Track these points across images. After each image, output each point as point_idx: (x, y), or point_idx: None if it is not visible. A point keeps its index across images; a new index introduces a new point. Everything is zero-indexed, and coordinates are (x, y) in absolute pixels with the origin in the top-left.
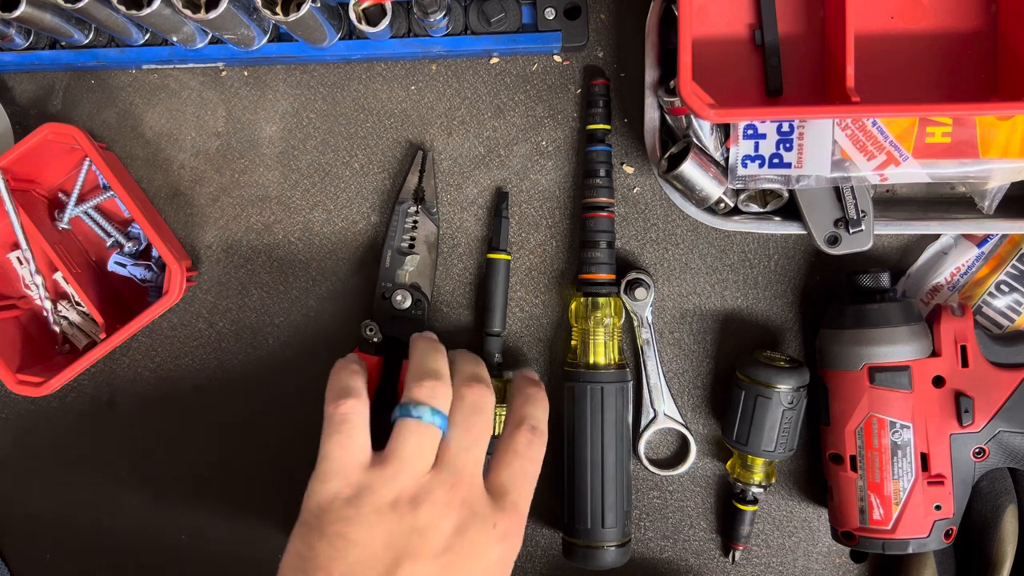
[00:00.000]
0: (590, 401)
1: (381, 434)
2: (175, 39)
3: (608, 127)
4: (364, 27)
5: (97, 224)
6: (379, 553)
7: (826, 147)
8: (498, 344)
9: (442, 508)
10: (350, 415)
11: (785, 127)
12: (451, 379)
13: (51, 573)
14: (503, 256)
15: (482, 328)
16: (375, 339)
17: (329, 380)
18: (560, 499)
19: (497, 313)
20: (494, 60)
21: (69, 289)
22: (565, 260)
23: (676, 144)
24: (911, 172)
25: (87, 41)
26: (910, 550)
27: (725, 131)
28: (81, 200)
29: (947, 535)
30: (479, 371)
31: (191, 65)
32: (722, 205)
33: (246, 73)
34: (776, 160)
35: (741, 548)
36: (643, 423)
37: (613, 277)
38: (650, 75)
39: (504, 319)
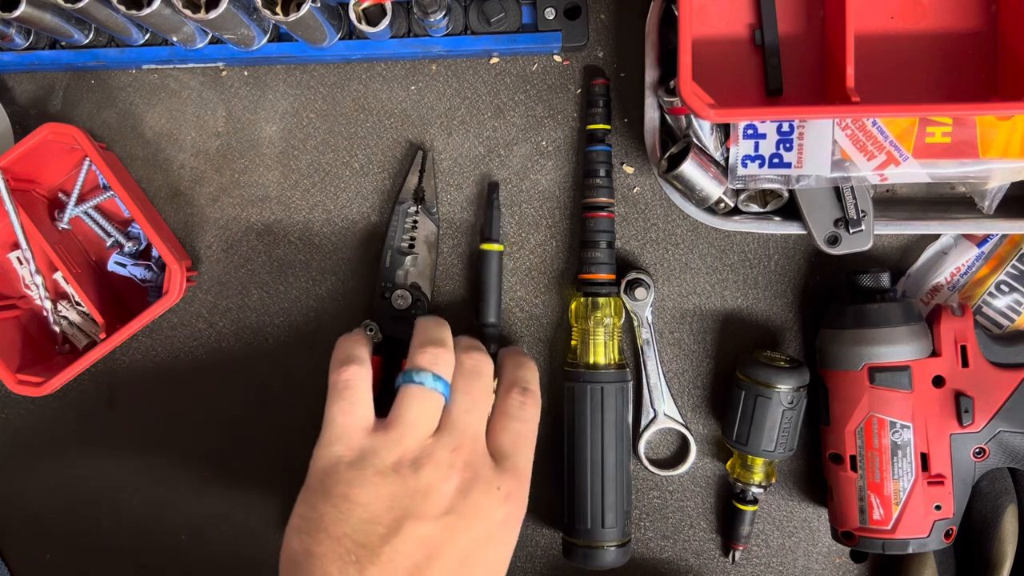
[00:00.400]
0: (590, 401)
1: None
2: (175, 39)
3: (608, 127)
4: (364, 27)
5: (97, 224)
6: (381, 514)
7: (826, 147)
8: (494, 335)
9: (445, 470)
10: (352, 381)
11: (785, 127)
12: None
13: (51, 573)
14: (495, 247)
15: (477, 320)
16: (375, 339)
17: (334, 350)
18: (560, 499)
19: (491, 304)
20: (494, 60)
21: (69, 289)
22: (565, 260)
23: (676, 144)
24: (911, 172)
25: (87, 41)
26: (910, 550)
27: (725, 131)
28: (81, 200)
29: (947, 535)
30: (477, 343)
31: (191, 65)
32: (722, 205)
33: (246, 73)
34: (776, 160)
35: (741, 548)
36: (643, 423)
37: (613, 277)
38: (650, 75)
39: (499, 310)
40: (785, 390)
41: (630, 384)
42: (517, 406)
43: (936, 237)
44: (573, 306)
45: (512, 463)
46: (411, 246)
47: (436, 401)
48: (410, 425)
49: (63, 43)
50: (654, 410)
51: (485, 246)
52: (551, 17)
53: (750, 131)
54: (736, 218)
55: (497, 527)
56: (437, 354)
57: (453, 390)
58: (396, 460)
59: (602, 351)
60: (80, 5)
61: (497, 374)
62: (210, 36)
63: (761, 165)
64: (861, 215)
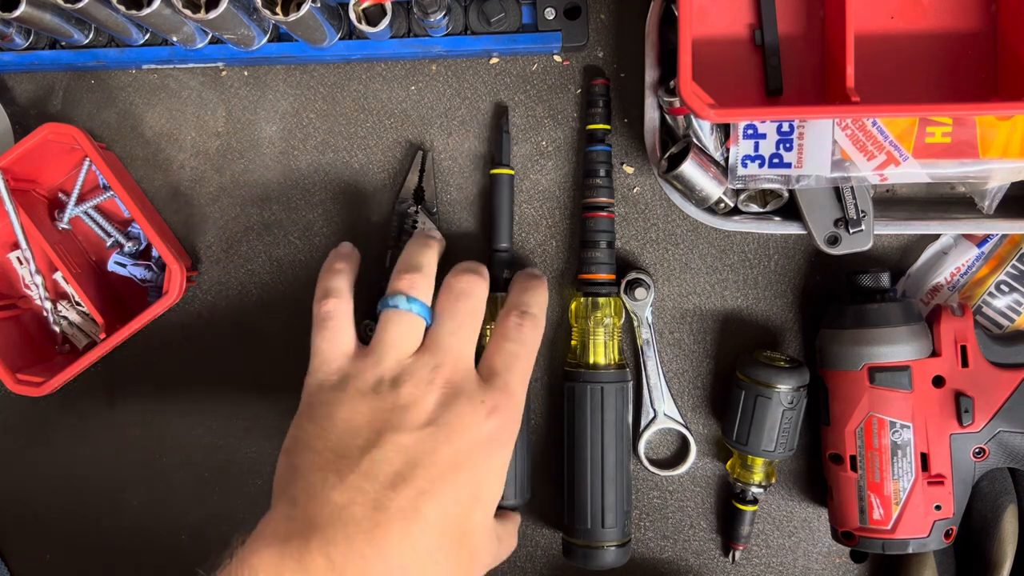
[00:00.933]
0: (590, 401)
1: None
2: (175, 39)
3: (608, 127)
4: (364, 27)
5: (97, 224)
6: (361, 428)
7: (826, 147)
8: (506, 260)
9: (424, 386)
10: (333, 312)
11: (785, 127)
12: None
13: (51, 573)
14: (507, 171)
15: (490, 245)
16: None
17: (318, 280)
18: (560, 499)
19: (503, 228)
20: (494, 60)
21: (69, 289)
22: (565, 260)
23: (676, 144)
24: (911, 172)
25: (87, 41)
26: (910, 550)
27: (725, 131)
28: (81, 200)
29: (947, 535)
30: (473, 265)
31: (191, 65)
32: (722, 205)
33: (246, 73)
34: (776, 160)
35: (741, 548)
36: (643, 423)
37: (613, 277)
38: (650, 75)
39: (511, 234)
40: (785, 390)
41: (630, 384)
42: (514, 327)
43: (936, 237)
44: (573, 306)
45: (502, 380)
46: None
47: (414, 322)
48: (388, 345)
49: (63, 43)
50: (654, 410)
51: (496, 171)
52: (551, 17)
53: (750, 131)
54: (736, 218)
55: (483, 439)
56: (413, 278)
57: (438, 312)
58: (376, 379)
59: (602, 351)
60: (80, 5)
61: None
62: (210, 36)
63: (761, 165)
64: (861, 215)
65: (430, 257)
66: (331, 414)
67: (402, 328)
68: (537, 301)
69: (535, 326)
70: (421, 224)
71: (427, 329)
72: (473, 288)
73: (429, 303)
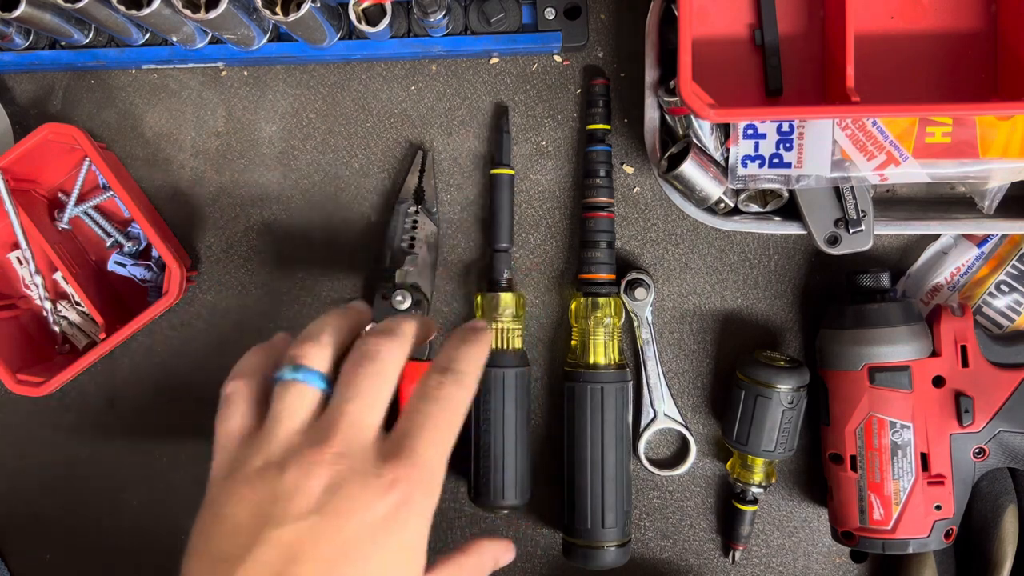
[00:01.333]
0: (590, 401)
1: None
2: (175, 39)
3: (608, 127)
4: (364, 27)
5: (97, 224)
6: (245, 523)
7: (826, 147)
8: (506, 260)
9: (307, 467)
10: (232, 395)
11: (785, 127)
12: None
13: (51, 573)
14: (507, 171)
15: (490, 245)
16: None
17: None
18: (560, 499)
19: (503, 228)
20: (494, 60)
21: (69, 289)
22: (565, 260)
23: (676, 144)
24: (911, 172)
25: (87, 41)
26: (910, 550)
27: (725, 131)
28: (81, 200)
29: (947, 535)
30: (391, 324)
31: (191, 65)
32: (722, 205)
33: (246, 73)
34: (776, 160)
35: (741, 548)
36: (643, 423)
37: (613, 277)
38: (650, 75)
39: (511, 234)
40: (785, 390)
41: (630, 384)
42: (433, 386)
43: (936, 237)
44: (573, 306)
45: (408, 446)
46: (411, 246)
47: (303, 392)
48: (276, 421)
49: (63, 43)
50: (654, 410)
51: (496, 170)
52: (551, 17)
53: (750, 131)
54: (736, 218)
55: (379, 521)
56: (303, 347)
57: (339, 379)
58: (263, 464)
59: (602, 351)
60: (80, 5)
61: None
62: (210, 36)
63: (761, 165)
64: (861, 215)
65: (328, 325)
66: (217, 511)
67: (289, 400)
68: (468, 357)
69: (458, 384)
70: (421, 224)
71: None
72: (380, 349)
73: (326, 370)
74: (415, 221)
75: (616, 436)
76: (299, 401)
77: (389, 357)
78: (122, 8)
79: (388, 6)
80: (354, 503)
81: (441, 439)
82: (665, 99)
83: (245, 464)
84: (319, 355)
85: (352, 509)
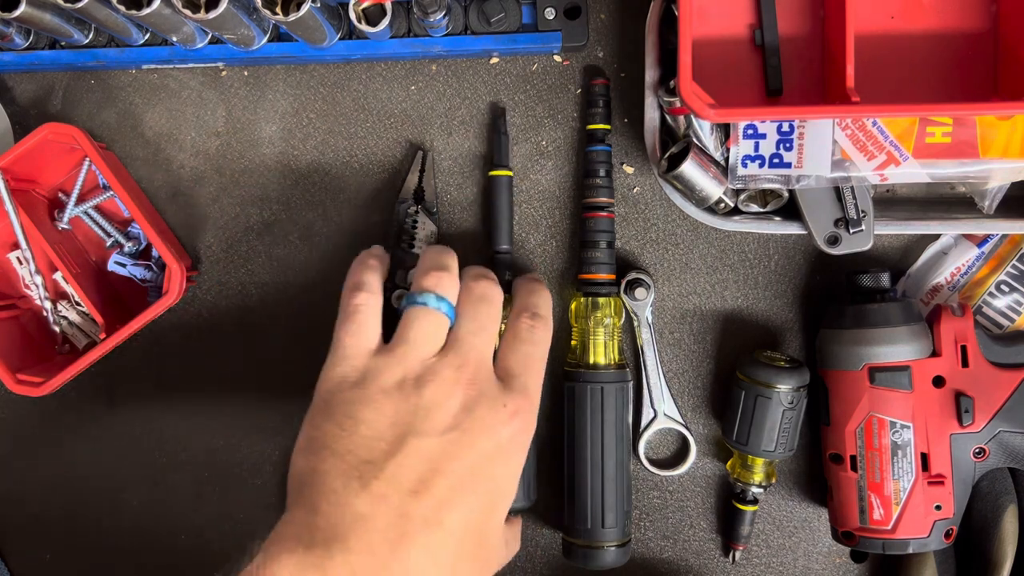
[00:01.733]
0: (590, 401)
1: None
2: (175, 39)
3: (608, 127)
4: (364, 27)
5: (97, 224)
6: (385, 430)
7: (826, 147)
8: (507, 261)
9: (448, 387)
10: (362, 307)
11: (785, 127)
12: (460, 278)
13: (51, 573)
14: (505, 172)
15: (490, 247)
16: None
17: (348, 274)
18: (560, 499)
19: (503, 230)
20: (494, 60)
21: (69, 289)
22: (565, 260)
23: (676, 144)
24: (911, 172)
25: (87, 41)
26: (910, 550)
27: (725, 131)
28: (81, 200)
29: (947, 535)
30: (487, 272)
31: (191, 65)
32: (722, 205)
33: (246, 73)
34: (776, 160)
35: (741, 548)
36: (643, 423)
37: (613, 277)
38: (650, 75)
39: (511, 236)
40: (785, 390)
41: (630, 384)
42: (527, 329)
43: (936, 237)
44: (573, 306)
45: (521, 382)
46: (411, 246)
47: (439, 321)
48: (413, 344)
49: (63, 43)
50: (654, 410)
51: (495, 172)
52: (551, 17)
53: (750, 131)
54: (736, 218)
55: (504, 443)
56: (440, 277)
57: (459, 314)
58: (400, 378)
59: (602, 351)
60: (80, 5)
61: (510, 302)
62: (210, 36)
63: (761, 165)
64: (861, 215)
65: (453, 260)
66: (352, 413)
67: (427, 327)
68: (545, 303)
69: (546, 328)
70: (421, 224)
71: (449, 330)
72: (493, 294)
73: (455, 304)
74: (415, 221)
75: (616, 436)
76: (435, 329)
77: (498, 300)
78: (122, 8)
79: (388, 6)
80: (485, 425)
81: (541, 375)
82: (665, 99)
83: (380, 376)
84: (454, 288)
85: (484, 429)
